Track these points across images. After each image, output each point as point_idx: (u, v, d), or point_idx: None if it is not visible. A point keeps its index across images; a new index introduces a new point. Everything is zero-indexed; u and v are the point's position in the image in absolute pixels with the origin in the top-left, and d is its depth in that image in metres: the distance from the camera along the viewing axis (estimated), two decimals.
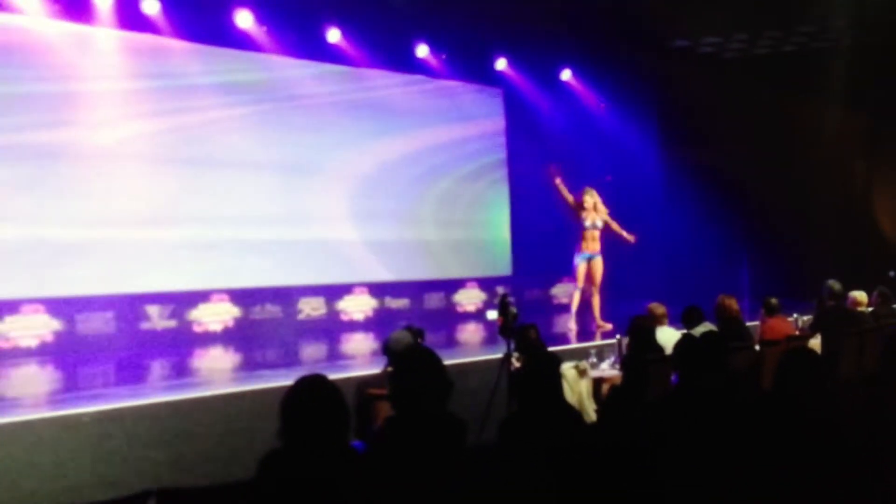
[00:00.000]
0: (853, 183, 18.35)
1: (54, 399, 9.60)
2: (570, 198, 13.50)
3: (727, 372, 5.76)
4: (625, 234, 13.58)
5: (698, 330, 8.11)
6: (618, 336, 9.10)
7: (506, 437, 4.92)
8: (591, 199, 13.47)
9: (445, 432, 4.42)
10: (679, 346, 5.64)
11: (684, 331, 8.29)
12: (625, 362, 8.33)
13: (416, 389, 4.40)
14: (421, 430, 4.33)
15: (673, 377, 5.88)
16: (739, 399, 5.32)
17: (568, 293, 17.63)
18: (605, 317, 13.41)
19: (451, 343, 13.27)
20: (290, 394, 3.85)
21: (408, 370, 4.53)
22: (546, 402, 4.99)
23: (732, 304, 9.31)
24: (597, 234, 13.42)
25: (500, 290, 12.09)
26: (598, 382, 8.67)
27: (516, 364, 7.64)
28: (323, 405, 3.83)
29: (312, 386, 3.90)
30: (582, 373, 8.60)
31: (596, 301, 13.33)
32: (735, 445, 4.67)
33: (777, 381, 4.68)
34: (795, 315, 10.89)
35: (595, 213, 13.45)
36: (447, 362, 9.99)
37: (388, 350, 7.10)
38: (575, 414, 5.24)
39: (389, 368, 6.67)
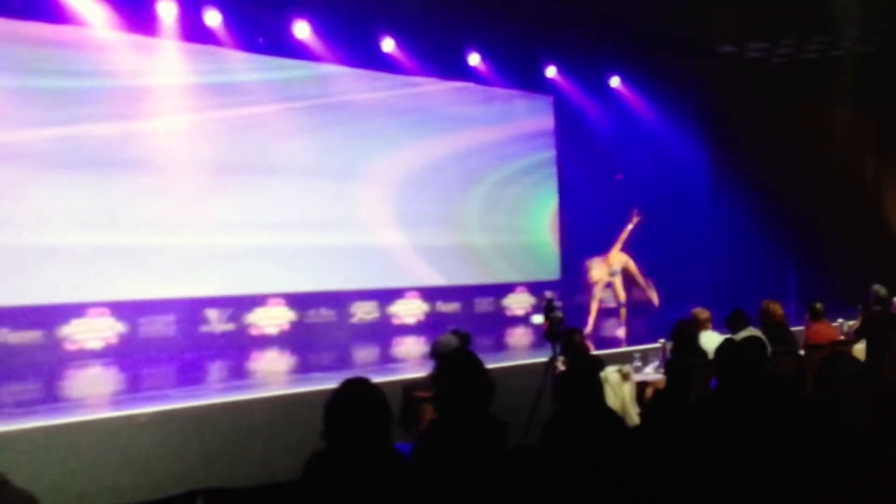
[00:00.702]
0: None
1: (115, 400, 9.88)
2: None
3: (768, 376, 5.85)
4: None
5: (742, 334, 8.12)
6: (662, 340, 9.15)
7: (548, 439, 4.98)
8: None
9: (488, 434, 4.46)
10: (720, 350, 5.72)
11: (728, 335, 8.35)
12: (668, 366, 8.41)
13: (458, 392, 4.46)
14: (464, 432, 4.39)
15: (712, 381, 5.94)
16: (781, 403, 5.33)
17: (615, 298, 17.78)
18: (652, 319, 13.53)
19: (500, 346, 13.38)
20: (334, 396, 3.91)
21: (450, 373, 4.59)
22: (587, 406, 5.05)
23: (777, 308, 9.33)
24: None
25: (548, 294, 12.18)
26: (641, 386, 8.72)
27: (561, 367, 7.73)
28: (365, 408, 3.88)
29: (355, 389, 3.96)
30: (625, 377, 8.67)
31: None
32: (774, 449, 4.70)
33: (814, 386, 4.75)
34: (840, 320, 10.88)
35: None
36: (495, 365, 10.26)
37: (435, 354, 7.25)
38: (616, 418, 5.31)
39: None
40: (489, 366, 5.06)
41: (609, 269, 13.80)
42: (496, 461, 4.33)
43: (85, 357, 11.93)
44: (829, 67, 17.63)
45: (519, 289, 16.78)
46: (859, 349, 9.68)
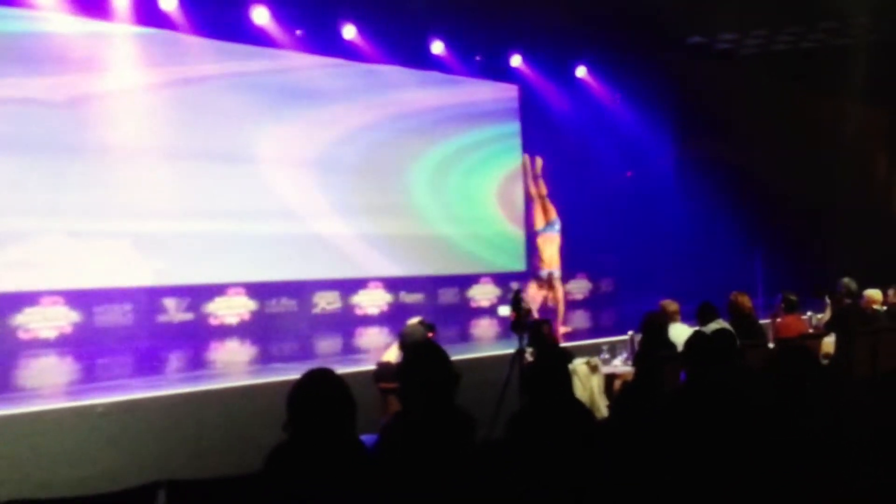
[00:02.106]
0: (871, 179, 18.25)
1: (70, 390, 9.74)
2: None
3: (738, 369, 5.79)
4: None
5: (711, 327, 8.11)
6: (630, 332, 9.08)
7: (514, 432, 4.88)
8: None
9: (453, 427, 4.41)
10: (690, 342, 5.65)
11: (697, 328, 8.28)
12: (637, 359, 8.35)
13: (423, 384, 4.39)
14: (429, 424, 4.32)
15: (681, 374, 5.86)
16: (750, 396, 5.28)
17: (582, 289, 17.70)
18: (620, 312, 13.41)
19: (465, 338, 13.31)
20: (297, 387, 3.85)
21: (413, 364, 4.52)
22: (555, 398, 4.95)
23: (746, 301, 9.28)
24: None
25: (514, 285, 12.06)
26: (610, 378, 8.67)
27: (530, 359, 7.63)
28: (329, 399, 3.82)
29: (319, 380, 3.88)
30: (594, 369, 8.60)
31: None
32: (744, 442, 4.66)
33: (774, 380, 4.69)
34: (810, 313, 10.84)
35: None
36: (460, 357, 10.14)
37: (402, 344, 7.14)
38: (584, 410, 5.21)
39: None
40: (454, 358, 4.96)
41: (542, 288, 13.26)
42: (462, 454, 4.32)
43: (38, 346, 11.69)
44: (802, 57, 17.65)
45: (484, 280, 16.68)
46: (828, 342, 9.65)
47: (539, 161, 13.52)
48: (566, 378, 5.12)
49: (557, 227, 13.11)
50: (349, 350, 12.61)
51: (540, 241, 13.00)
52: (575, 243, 15.77)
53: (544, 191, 13.38)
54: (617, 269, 17.93)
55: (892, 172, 18.61)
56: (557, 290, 12.66)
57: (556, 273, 12.81)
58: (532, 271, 12.61)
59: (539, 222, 13.15)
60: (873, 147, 18.50)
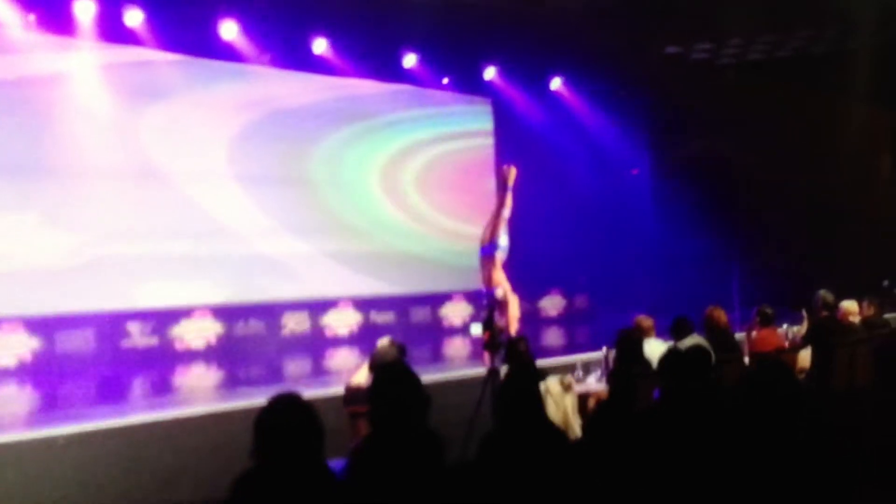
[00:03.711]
0: (852, 186, 18.20)
1: (31, 420, 9.52)
2: None
3: (713, 386, 5.66)
4: None
5: (686, 342, 8.00)
6: (605, 349, 8.93)
7: (485, 454, 4.78)
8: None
9: (424, 449, 4.35)
10: (664, 360, 5.53)
11: (671, 343, 8.16)
12: (611, 376, 8.20)
13: (393, 406, 4.33)
14: (399, 447, 4.27)
15: (655, 391, 5.72)
16: (726, 412, 5.19)
17: (556, 306, 17.56)
18: (595, 329, 13.24)
19: (437, 358, 13.15)
20: (263, 413, 3.81)
21: (384, 387, 4.44)
22: (526, 419, 4.87)
23: (721, 315, 9.16)
24: None
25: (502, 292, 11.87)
26: (584, 397, 8.50)
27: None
28: (295, 425, 3.79)
29: (285, 405, 3.85)
30: (567, 387, 8.39)
31: None
32: (720, 459, 4.61)
33: (745, 394, 4.60)
34: (786, 326, 10.74)
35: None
36: (433, 377, 9.94)
37: (372, 365, 7.01)
38: (556, 431, 5.09)
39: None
40: (426, 378, 4.80)
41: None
42: (432, 476, 4.27)
43: None
44: (776, 66, 17.67)
45: (456, 297, 16.47)
46: (805, 356, 9.55)
47: (513, 171, 13.01)
48: (537, 398, 5.02)
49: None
50: (319, 372, 12.43)
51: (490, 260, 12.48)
52: (549, 259, 15.68)
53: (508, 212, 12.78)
54: (592, 285, 17.81)
55: (872, 178, 18.56)
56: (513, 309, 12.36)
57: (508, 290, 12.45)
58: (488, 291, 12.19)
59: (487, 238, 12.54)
60: (858, 152, 18.48)
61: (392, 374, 4.61)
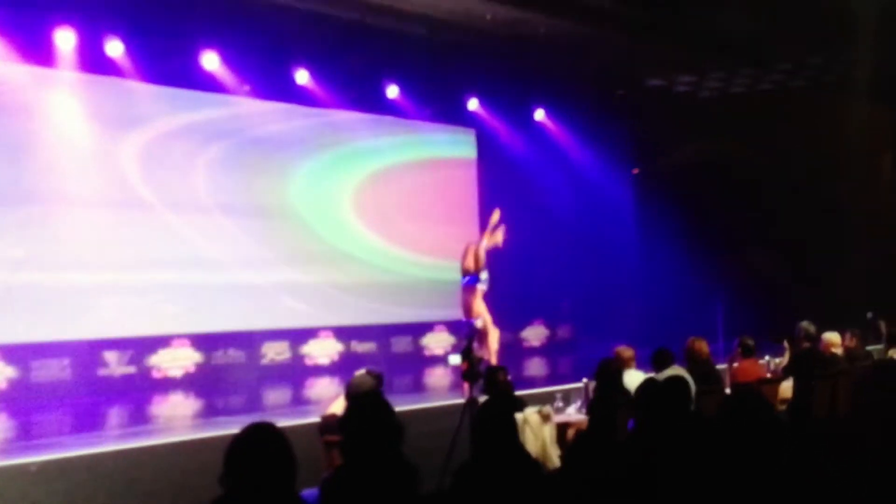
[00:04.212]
0: (835, 217, 18.24)
1: (5, 448, 9.41)
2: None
3: (690, 417, 5.62)
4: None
5: (667, 373, 7.97)
6: (585, 380, 8.90)
7: (460, 483, 4.77)
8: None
9: (396, 478, 4.33)
10: (639, 390, 5.50)
11: (652, 374, 8.13)
12: (591, 406, 8.16)
13: (365, 436, 4.32)
14: (370, 477, 4.24)
15: (629, 422, 5.69)
16: (703, 443, 5.15)
17: (539, 336, 17.50)
18: (578, 359, 13.19)
19: (418, 387, 13.08)
20: (235, 441, 3.82)
21: (356, 417, 4.44)
22: (500, 447, 4.86)
23: (703, 346, 9.16)
24: None
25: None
26: (563, 427, 8.46)
27: None
28: (267, 455, 3.79)
29: (258, 434, 3.86)
30: (545, 418, 8.38)
31: None
32: (693, 488, 4.64)
33: (726, 426, 4.57)
34: (767, 357, 10.74)
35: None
36: (413, 407, 9.88)
37: (348, 394, 6.96)
38: (530, 460, 5.05)
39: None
40: (406, 407, 4.75)
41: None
42: None
43: None
44: (760, 99, 17.79)
45: (438, 328, 16.39)
46: (786, 387, 9.54)
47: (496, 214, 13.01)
48: (512, 427, 4.98)
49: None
50: (299, 401, 12.36)
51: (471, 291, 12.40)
52: (532, 289, 15.65)
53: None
54: (575, 315, 17.78)
55: (856, 206, 18.57)
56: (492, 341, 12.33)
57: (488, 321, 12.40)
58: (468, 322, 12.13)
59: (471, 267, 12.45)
60: (842, 184, 18.55)
61: (365, 403, 4.61)
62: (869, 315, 13.23)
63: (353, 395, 6.71)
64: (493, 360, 11.59)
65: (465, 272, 12.16)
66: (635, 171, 18.27)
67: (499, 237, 12.35)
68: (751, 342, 9.75)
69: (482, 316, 12.09)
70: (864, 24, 13.48)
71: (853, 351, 10.52)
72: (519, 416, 8.01)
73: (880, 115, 17.38)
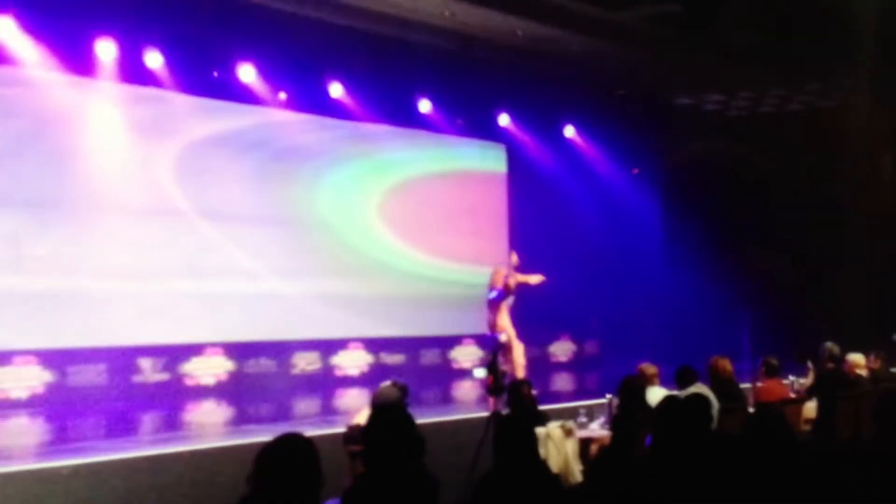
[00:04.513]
0: (866, 238, 18.15)
1: (41, 452, 9.57)
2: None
3: (708, 435, 5.67)
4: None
5: (690, 390, 8.02)
6: (609, 395, 8.97)
7: (480, 495, 4.83)
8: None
9: (416, 490, 4.39)
10: (658, 408, 5.56)
11: (675, 391, 8.19)
12: (614, 422, 8.23)
13: (386, 447, 4.40)
14: (390, 487, 4.31)
15: (647, 439, 5.76)
16: (720, 462, 5.19)
17: (566, 351, 17.52)
18: (604, 375, 13.23)
19: (446, 400, 13.14)
20: (266, 449, 3.95)
21: (377, 427, 4.52)
22: (520, 460, 4.91)
23: (726, 365, 9.21)
24: None
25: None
26: (586, 443, 8.54)
27: None
28: (295, 466, 3.90)
29: (288, 445, 3.98)
30: (568, 433, 8.46)
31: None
32: None
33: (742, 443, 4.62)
34: (791, 378, 10.75)
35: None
36: (440, 419, 9.98)
37: (373, 405, 7.08)
38: (549, 473, 5.12)
39: None
40: (433, 420, 4.81)
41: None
42: None
43: (9, 407, 11.46)
44: (789, 119, 17.77)
45: (466, 341, 16.43)
46: (810, 407, 9.55)
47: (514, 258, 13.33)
48: (532, 441, 5.05)
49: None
50: (328, 412, 12.46)
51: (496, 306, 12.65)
52: (559, 304, 15.66)
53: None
54: (602, 331, 17.80)
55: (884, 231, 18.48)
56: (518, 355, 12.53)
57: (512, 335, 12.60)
58: (493, 336, 12.35)
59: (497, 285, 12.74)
60: (874, 201, 18.46)
61: (387, 414, 4.71)
62: (894, 337, 13.19)
63: (376, 405, 6.84)
64: (520, 374, 11.76)
65: (492, 287, 12.37)
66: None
67: (534, 280, 12.65)
68: (775, 362, 9.78)
69: (506, 330, 12.28)
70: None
71: (877, 372, 10.51)
72: (542, 430, 8.11)
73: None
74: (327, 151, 15.00)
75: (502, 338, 12.11)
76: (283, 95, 14.15)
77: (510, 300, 12.66)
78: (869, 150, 17.69)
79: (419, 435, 4.54)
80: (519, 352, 12.50)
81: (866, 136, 16.91)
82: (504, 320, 12.52)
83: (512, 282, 12.61)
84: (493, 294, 12.52)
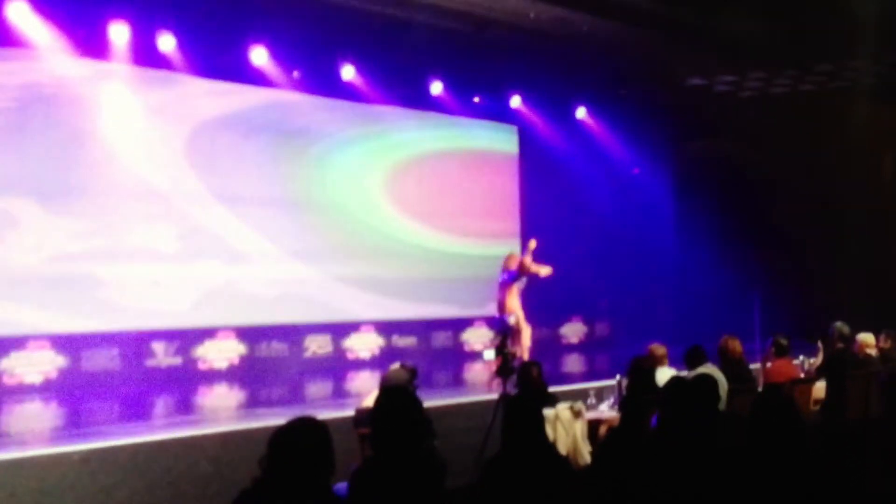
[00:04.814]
0: (880, 217, 18.09)
1: (55, 436, 9.61)
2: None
3: (715, 415, 5.67)
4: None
5: (699, 371, 8.00)
6: (618, 377, 8.95)
7: (487, 476, 4.85)
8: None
9: (423, 472, 4.42)
10: (665, 388, 5.54)
11: (684, 372, 8.18)
12: (622, 403, 8.22)
13: (391, 429, 4.42)
14: (398, 470, 4.33)
15: (652, 419, 5.76)
16: (727, 442, 5.20)
17: (577, 333, 17.53)
18: (615, 356, 13.24)
19: (458, 382, 13.15)
20: (280, 431, 3.95)
21: (382, 410, 4.53)
22: (526, 443, 4.90)
23: (736, 345, 9.15)
24: None
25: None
26: (595, 424, 8.53)
27: None
28: (308, 449, 3.90)
29: (302, 428, 3.98)
30: (577, 414, 8.45)
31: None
32: (714, 489, 4.64)
33: (752, 426, 4.61)
34: (802, 357, 10.70)
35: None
36: (452, 401, 9.98)
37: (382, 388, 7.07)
38: (556, 455, 5.14)
39: None
40: (444, 402, 4.79)
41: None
42: (431, 500, 4.39)
43: (24, 392, 11.57)
44: (802, 99, 17.67)
45: (478, 323, 16.47)
46: (820, 388, 9.51)
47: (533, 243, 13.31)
48: (537, 422, 5.05)
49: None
50: (340, 394, 12.47)
51: (507, 287, 12.71)
52: (571, 285, 15.65)
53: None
54: (614, 312, 17.81)
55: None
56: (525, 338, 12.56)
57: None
58: (501, 318, 12.42)
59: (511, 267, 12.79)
60: (884, 184, 18.39)
61: (394, 397, 4.71)
62: None
63: (384, 388, 6.84)
64: (525, 357, 11.78)
65: (505, 269, 12.40)
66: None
67: (544, 271, 12.66)
68: (784, 341, 9.72)
69: (515, 313, 12.30)
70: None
71: (888, 352, 10.46)
72: (550, 412, 8.12)
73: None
74: (338, 133, 15.05)
75: (511, 320, 12.13)
76: (296, 74, 14.14)
77: (522, 283, 12.67)
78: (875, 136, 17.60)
79: (426, 417, 4.65)
80: (526, 334, 12.53)
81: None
82: (513, 302, 12.55)
83: (528, 261, 12.63)
84: (506, 275, 12.55)
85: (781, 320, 14.10)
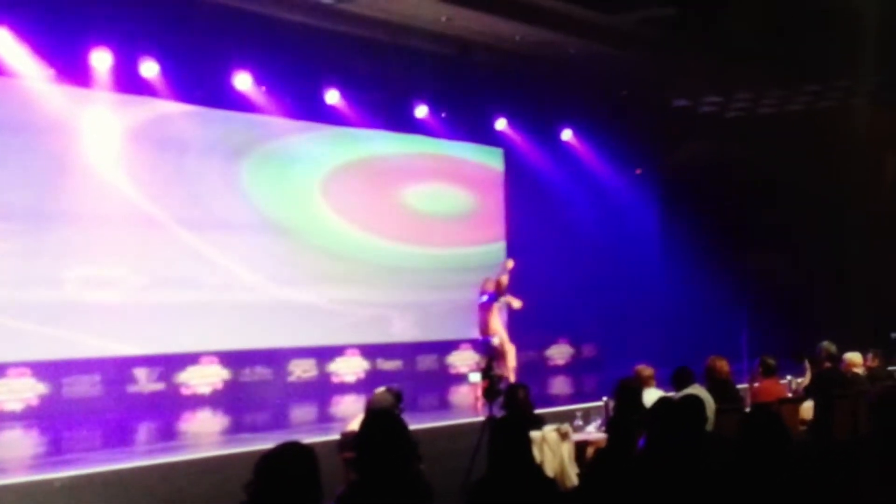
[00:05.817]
0: (868, 239, 18.14)
1: (35, 464, 9.50)
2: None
3: (702, 436, 5.64)
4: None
5: (686, 392, 7.98)
6: (605, 398, 8.92)
7: (473, 500, 4.82)
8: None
9: (408, 495, 4.37)
10: (652, 409, 5.53)
11: (671, 393, 8.15)
12: (610, 425, 8.18)
13: (376, 453, 4.36)
14: (382, 493, 4.28)
15: (640, 440, 5.72)
16: (713, 463, 5.17)
17: (563, 355, 17.49)
18: (602, 378, 13.22)
19: (443, 405, 13.09)
20: (266, 457, 3.93)
21: (369, 434, 4.49)
22: (513, 465, 4.88)
23: (723, 365, 9.15)
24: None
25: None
26: (582, 446, 8.49)
27: None
28: (296, 473, 3.90)
29: (289, 454, 3.97)
30: (564, 436, 8.41)
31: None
32: None
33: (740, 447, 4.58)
34: (789, 377, 10.70)
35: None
36: (438, 424, 9.92)
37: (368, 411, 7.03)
38: (543, 477, 5.09)
39: None
40: (429, 425, 4.76)
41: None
42: None
43: (4, 419, 11.44)
44: (786, 120, 17.75)
45: (463, 346, 16.35)
46: (808, 407, 9.50)
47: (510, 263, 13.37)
48: (524, 444, 5.02)
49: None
50: (324, 419, 12.40)
51: (488, 309, 12.74)
52: (557, 307, 15.63)
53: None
54: (600, 334, 17.78)
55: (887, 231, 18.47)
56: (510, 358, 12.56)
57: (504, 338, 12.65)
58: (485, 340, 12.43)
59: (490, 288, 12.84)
60: (874, 203, 18.45)
61: (379, 420, 4.67)
62: (893, 335, 13.16)
63: (369, 411, 6.79)
64: (512, 378, 11.75)
65: (482, 292, 12.40)
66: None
67: (516, 304, 12.72)
68: (772, 361, 9.73)
69: (498, 333, 12.30)
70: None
71: (875, 371, 10.47)
72: (537, 433, 8.07)
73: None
74: (322, 158, 15.02)
75: (495, 341, 12.12)
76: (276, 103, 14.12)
77: (502, 303, 12.68)
78: (870, 151, 17.69)
79: (412, 441, 4.55)
80: (511, 354, 12.52)
81: (868, 138, 16.90)
82: (496, 323, 12.57)
83: (504, 281, 12.64)
84: (485, 298, 12.56)
85: (768, 340, 14.10)
